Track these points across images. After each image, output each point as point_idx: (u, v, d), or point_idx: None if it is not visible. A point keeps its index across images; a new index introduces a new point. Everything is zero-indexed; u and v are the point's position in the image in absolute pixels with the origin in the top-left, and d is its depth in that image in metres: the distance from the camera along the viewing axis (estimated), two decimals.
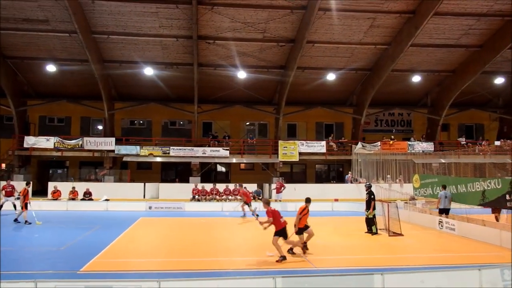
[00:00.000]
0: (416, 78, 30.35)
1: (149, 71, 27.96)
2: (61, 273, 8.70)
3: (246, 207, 20.75)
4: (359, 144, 30.30)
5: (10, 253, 12.16)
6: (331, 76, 29.34)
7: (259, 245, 13.19)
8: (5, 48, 26.76)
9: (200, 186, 26.69)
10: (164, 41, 26.19)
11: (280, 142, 30.18)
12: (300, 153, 30.10)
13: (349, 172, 29.93)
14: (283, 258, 10.98)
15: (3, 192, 20.38)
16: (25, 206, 17.95)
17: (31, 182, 20.53)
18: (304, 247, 12.17)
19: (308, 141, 31.09)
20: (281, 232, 11.20)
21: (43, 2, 22.75)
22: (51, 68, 27.63)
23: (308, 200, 12.59)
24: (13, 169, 29.19)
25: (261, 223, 11.65)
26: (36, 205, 23.00)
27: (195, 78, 27.75)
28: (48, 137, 29.01)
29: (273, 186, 27.09)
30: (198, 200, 25.59)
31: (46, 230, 15.84)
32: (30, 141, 28.81)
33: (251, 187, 26.91)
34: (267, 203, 11.74)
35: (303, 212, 12.23)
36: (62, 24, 24.30)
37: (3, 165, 29.96)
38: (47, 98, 31.10)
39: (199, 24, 24.39)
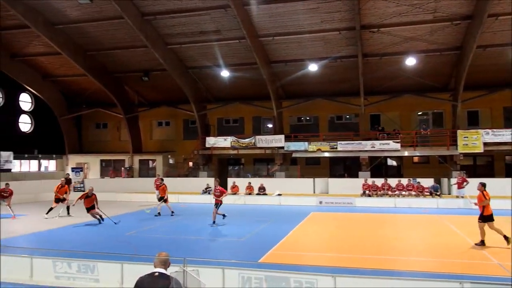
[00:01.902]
0: None
1: (313, 67, 28.17)
2: (243, 262, 9.18)
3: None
4: None
5: (201, 241, 13.51)
6: None
7: (437, 245, 12.00)
8: (186, 59, 30.14)
9: (370, 181, 25.79)
10: (326, 36, 26.06)
11: (459, 131, 27.14)
12: (485, 144, 26.56)
13: None
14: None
15: (155, 185, 23.09)
16: (162, 199, 19.80)
17: (163, 179, 22.60)
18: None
19: (494, 130, 27.22)
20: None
21: (214, 14, 24.85)
22: (224, 73, 30.07)
23: (484, 185, 12.09)
24: (198, 167, 32.78)
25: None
26: None
27: (360, 70, 26.93)
28: (225, 137, 31.73)
29: (454, 181, 24.53)
30: (369, 196, 24.75)
31: (227, 222, 17.17)
32: (210, 141, 31.90)
33: (427, 182, 24.92)
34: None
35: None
36: (232, 32, 26.18)
37: (190, 163, 33.88)
38: (223, 101, 33.98)
39: (362, 14, 23.54)
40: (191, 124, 35.45)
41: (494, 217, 11.75)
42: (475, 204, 12.12)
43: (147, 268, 5.02)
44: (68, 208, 19.23)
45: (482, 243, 11.75)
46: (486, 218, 11.72)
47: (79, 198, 17.38)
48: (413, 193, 24.50)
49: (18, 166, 32.42)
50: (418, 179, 25.16)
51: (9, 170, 29.46)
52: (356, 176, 28.26)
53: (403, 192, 24.74)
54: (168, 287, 4.55)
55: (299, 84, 31.23)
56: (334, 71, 29.13)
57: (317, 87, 30.95)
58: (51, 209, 18.54)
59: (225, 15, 24.60)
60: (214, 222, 16.47)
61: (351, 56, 27.18)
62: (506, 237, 11.50)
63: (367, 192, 25.09)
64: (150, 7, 24.74)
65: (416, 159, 31.70)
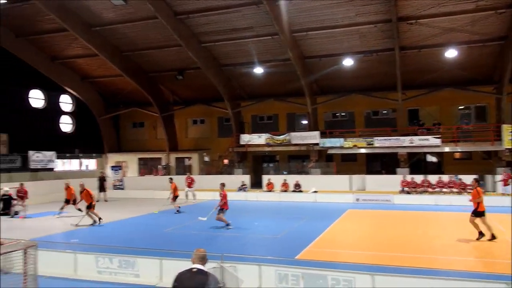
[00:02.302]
0: None
1: (348, 62, 27.67)
2: (280, 259, 9.09)
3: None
4: None
5: (237, 238, 13.53)
6: None
7: (480, 244, 11.52)
8: (219, 57, 30.26)
9: (409, 177, 25.11)
10: (361, 29, 25.50)
11: (504, 126, 25.88)
12: None
13: None
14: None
15: (186, 183, 23.65)
16: (174, 198, 20.09)
17: (172, 178, 22.64)
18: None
19: None
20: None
21: (247, 10, 24.76)
22: (258, 70, 30.00)
23: (477, 180, 12.76)
24: (233, 164, 32.92)
25: None
26: (254, 196, 25.48)
27: (397, 64, 26.20)
28: (260, 134, 31.67)
29: (499, 177, 23.50)
30: (408, 193, 24.10)
31: (263, 219, 17.12)
32: (245, 138, 31.94)
33: (470, 179, 23.95)
34: None
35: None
36: (265, 28, 26.04)
37: (226, 161, 34.08)
38: (256, 98, 33.94)
39: (398, 5, 22.87)
40: (226, 121, 35.62)
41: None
42: (470, 200, 12.72)
43: (185, 264, 5.02)
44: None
45: (480, 234, 12.34)
46: (479, 213, 12.30)
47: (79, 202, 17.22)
48: (455, 190, 23.67)
49: (61, 165, 33.53)
50: (460, 176, 24.26)
51: (52, 169, 30.54)
52: (394, 172, 27.58)
53: (444, 189, 23.95)
54: (206, 282, 4.54)
55: (333, 79, 30.77)
56: (370, 65, 28.51)
57: (352, 82, 30.40)
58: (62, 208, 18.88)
59: (257, 11, 24.50)
60: (228, 224, 15.32)
61: (388, 50, 26.49)
62: (481, 233, 12.29)
63: (405, 189, 24.45)
64: (183, 6, 24.95)
65: (457, 155, 30.60)
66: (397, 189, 24.62)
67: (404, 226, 15.65)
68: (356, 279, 7.45)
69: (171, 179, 21.69)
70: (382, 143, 28.10)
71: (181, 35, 26.29)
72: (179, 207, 20.24)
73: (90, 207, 16.58)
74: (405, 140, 27.54)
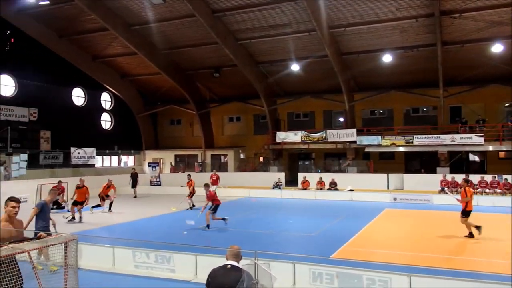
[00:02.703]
0: None
1: (387, 58, 27.02)
2: (314, 257, 8.99)
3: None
4: None
5: (271, 235, 13.50)
6: None
7: None
8: (256, 54, 30.27)
9: (449, 177, 24.29)
10: (402, 24, 24.82)
11: None
12: None
13: None
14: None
15: (210, 180, 23.61)
16: (191, 195, 20.19)
17: (190, 175, 22.54)
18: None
19: None
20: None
21: (284, 7, 24.58)
22: (295, 67, 29.79)
23: (467, 181, 13.26)
24: (268, 161, 32.92)
25: None
26: (289, 194, 25.40)
27: (439, 59, 25.36)
28: (295, 132, 31.48)
29: None
30: (448, 193, 23.27)
31: (298, 217, 17.00)
32: (281, 136, 31.83)
33: None
34: None
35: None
36: (302, 24, 25.80)
37: (261, 158, 34.12)
38: (293, 95, 33.75)
39: None
40: (262, 119, 35.63)
41: None
42: (458, 200, 13.19)
43: (219, 261, 5.03)
44: (110, 204, 19.52)
45: (470, 235, 12.67)
46: (467, 213, 12.73)
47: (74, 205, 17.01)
48: (498, 190, 22.69)
49: (100, 161, 34.58)
50: (505, 176, 23.23)
51: (93, 165, 31.56)
52: (434, 172, 26.75)
53: (487, 190, 23.01)
54: (240, 279, 4.52)
55: (372, 76, 30.17)
56: (410, 61, 27.75)
57: (391, 78, 29.68)
58: (98, 205, 19.16)
59: (295, 7, 24.30)
60: (208, 225, 14.55)
61: (429, 45, 25.69)
62: (472, 230, 12.61)
63: (445, 189, 23.64)
64: (220, 4, 25.09)
65: (502, 155, 29.31)
66: (437, 189, 23.88)
67: (443, 226, 15.13)
68: (392, 280, 7.25)
69: (189, 175, 21.91)
70: (422, 141, 27.34)
71: (218, 33, 26.47)
72: (194, 205, 19.79)
73: (79, 204, 16.65)
74: (446, 138, 26.68)
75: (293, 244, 12.56)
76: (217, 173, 26.42)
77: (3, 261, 4.94)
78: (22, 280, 5.28)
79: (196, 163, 35.84)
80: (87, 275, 8.55)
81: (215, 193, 15.30)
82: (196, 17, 24.98)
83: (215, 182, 24.85)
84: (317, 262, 8.13)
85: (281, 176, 29.16)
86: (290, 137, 31.45)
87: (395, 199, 22.79)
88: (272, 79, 32.74)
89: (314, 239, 13.02)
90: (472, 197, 13.05)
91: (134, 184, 26.02)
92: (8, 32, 26.81)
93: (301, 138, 30.94)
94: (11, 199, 5.98)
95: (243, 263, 4.97)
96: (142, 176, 29.40)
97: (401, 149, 28.40)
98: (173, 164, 36.93)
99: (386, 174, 27.20)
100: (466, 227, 12.84)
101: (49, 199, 10.06)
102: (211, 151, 36.40)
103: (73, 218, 16.57)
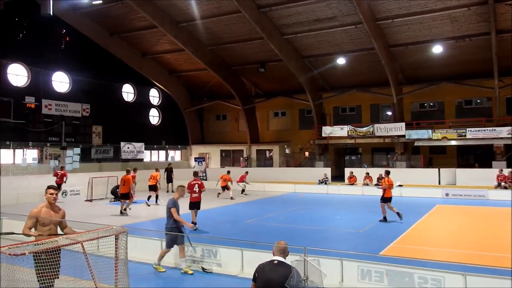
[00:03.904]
0: None
1: (437, 49, 26.03)
2: (363, 254, 8.84)
3: None
4: None
5: (318, 231, 13.39)
6: None
7: None
8: (301, 49, 30.03)
9: (506, 171, 23.10)
10: (452, 14, 23.80)
11: None
12: None
13: None
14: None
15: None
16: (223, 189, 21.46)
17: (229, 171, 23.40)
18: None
19: None
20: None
21: (330, 0, 24.25)
22: (341, 61, 29.29)
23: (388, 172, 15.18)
24: (314, 156, 32.65)
25: None
26: (335, 189, 25.12)
27: (494, 48, 24.16)
28: (342, 126, 31.05)
29: None
30: (505, 188, 22.18)
31: (345, 212, 16.77)
32: (327, 130, 31.47)
33: None
34: None
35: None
36: (348, 17, 25.33)
37: (307, 153, 33.89)
38: (339, 89, 33.25)
39: None
40: (307, 113, 35.34)
41: None
42: (377, 187, 15.58)
43: (266, 256, 5.04)
44: (157, 196, 19.93)
45: (384, 219, 14.56)
46: (385, 199, 14.77)
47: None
48: None
49: (149, 156, 35.59)
50: None
51: (141, 160, 32.55)
52: (489, 166, 25.55)
53: None
54: (289, 275, 4.51)
55: (421, 68, 29.17)
56: (462, 52, 26.57)
57: (442, 70, 28.56)
58: (149, 197, 19.81)
59: (340, 0, 23.89)
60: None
61: (483, 34, 24.51)
62: (398, 214, 14.45)
63: (502, 183, 22.52)
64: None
65: None
66: (493, 184, 22.78)
67: (499, 223, 14.43)
68: (445, 279, 6.98)
69: (228, 171, 22.61)
70: (476, 134, 26.22)
71: (263, 28, 26.49)
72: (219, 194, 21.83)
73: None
74: (502, 131, 25.46)
75: (340, 240, 12.41)
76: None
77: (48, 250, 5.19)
78: (59, 269, 5.54)
79: (241, 158, 36.14)
80: (136, 267, 8.79)
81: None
82: (242, 13, 25.11)
83: (242, 178, 24.89)
84: (365, 259, 7.97)
85: (327, 171, 28.83)
86: (336, 131, 31.03)
87: (447, 194, 22.05)
88: (318, 73, 32.37)
89: (363, 236, 12.80)
90: None
91: (169, 179, 25.70)
92: (64, 31, 28.16)
93: (348, 132, 30.45)
94: (49, 187, 6.60)
95: (292, 259, 4.96)
96: (188, 171, 29.89)
97: (453, 142, 27.33)
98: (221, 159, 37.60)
99: (437, 169, 26.28)
100: (382, 211, 14.59)
101: (177, 197, 9.75)
102: (256, 146, 36.56)
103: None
